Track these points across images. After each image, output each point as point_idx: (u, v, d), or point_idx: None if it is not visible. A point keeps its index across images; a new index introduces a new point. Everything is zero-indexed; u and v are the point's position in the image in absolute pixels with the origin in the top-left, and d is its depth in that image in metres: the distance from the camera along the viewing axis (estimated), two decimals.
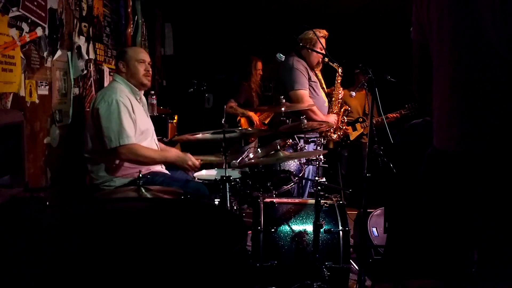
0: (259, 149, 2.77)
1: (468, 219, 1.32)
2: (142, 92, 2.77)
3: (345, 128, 3.50)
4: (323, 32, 3.24)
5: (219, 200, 2.35)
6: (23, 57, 2.02)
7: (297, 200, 2.51)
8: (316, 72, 3.35)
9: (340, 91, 3.36)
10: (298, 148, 2.78)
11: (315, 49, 3.18)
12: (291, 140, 2.76)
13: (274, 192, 2.61)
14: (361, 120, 4.27)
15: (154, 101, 3.79)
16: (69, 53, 2.62)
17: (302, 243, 2.27)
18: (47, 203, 2.00)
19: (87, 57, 2.88)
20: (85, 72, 2.86)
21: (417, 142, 2.26)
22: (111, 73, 3.31)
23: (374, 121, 3.73)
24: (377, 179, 2.36)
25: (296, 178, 2.71)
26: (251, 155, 2.73)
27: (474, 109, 1.26)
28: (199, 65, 6.15)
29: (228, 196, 2.25)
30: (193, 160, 2.61)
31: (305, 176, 3.00)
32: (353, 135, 4.25)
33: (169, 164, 2.80)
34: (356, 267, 2.54)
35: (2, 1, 1.82)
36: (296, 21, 3.47)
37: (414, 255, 2.17)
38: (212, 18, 6.01)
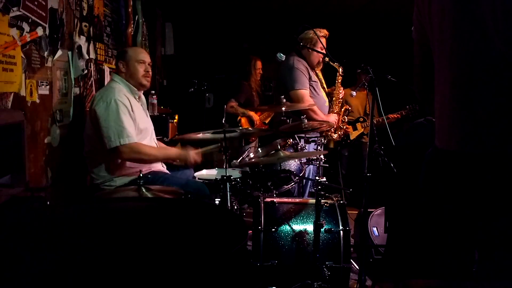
0: (259, 149, 2.78)
1: (469, 219, 1.32)
2: (141, 91, 2.77)
3: (345, 127, 3.50)
4: (323, 32, 3.24)
5: (219, 199, 2.35)
6: (23, 56, 2.02)
7: (297, 200, 2.51)
8: (317, 71, 3.35)
9: (340, 91, 3.36)
10: (299, 147, 2.78)
11: (316, 48, 3.18)
12: (291, 140, 2.76)
13: (274, 191, 2.61)
14: (362, 120, 4.27)
15: (155, 101, 3.79)
16: (69, 52, 2.62)
17: (303, 243, 2.27)
18: (48, 202, 2.00)
19: (87, 57, 2.88)
20: (85, 71, 2.86)
21: (418, 142, 2.26)
22: (111, 73, 3.31)
23: (375, 121, 3.74)
24: (377, 179, 2.36)
25: (297, 177, 2.71)
26: (251, 155, 2.74)
27: (475, 108, 1.26)
28: (199, 65, 6.15)
29: (228, 195, 2.25)
30: (194, 155, 2.61)
31: (306, 175, 3.00)
32: (353, 135, 4.25)
33: (171, 162, 2.80)
34: (357, 267, 2.54)
35: (2, 1, 1.82)
36: (297, 21, 3.47)
37: (414, 255, 2.16)
38: (212, 18, 6.01)
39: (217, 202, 2.40)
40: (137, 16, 4.18)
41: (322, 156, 2.71)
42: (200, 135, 2.47)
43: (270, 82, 6.03)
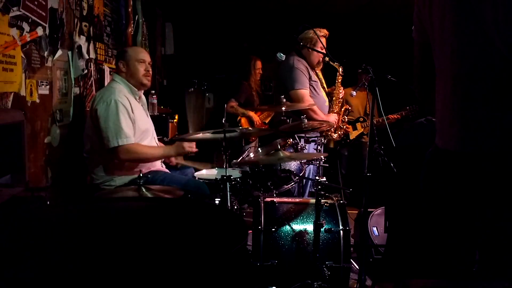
0: (259, 149, 2.77)
1: (470, 218, 1.32)
2: (142, 91, 2.77)
3: (345, 127, 3.50)
4: (323, 31, 3.24)
5: (219, 199, 2.35)
6: (23, 56, 2.02)
7: (297, 200, 2.51)
8: (317, 71, 3.35)
9: (340, 91, 3.35)
10: (299, 147, 2.78)
11: (316, 48, 3.18)
12: (291, 140, 2.76)
13: (274, 191, 2.61)
14: (362, 120, 4.27)
15: (155, 101, 3.79)
16: (69, 52, 2.62)
17: (303, 243, 2.26)
18: (48, 202, 2.00)
19: (87, 57, 2.88)
20: (85, 71, 2.86)
21: (418, 142, 2.26)
22: (111, 73, 3.31)
23: (375, 122, 3.74)
24: (377, 179, 2.36)
25: (297, 177, 2.71)
26: (251, 155, 2.73)
27: (475, 108, 1.26)
28: (199, 65, 6.15)
29: (228, 195, 2.25)
30: (186, 144, 2.63)
31: (306, 175, 3.00)
32: (353, 135, 4.25)
33: (169, 160, 2.81)
34: (357, 267, 2.54)
35: (2, 1, 1.82)
36: (297, 21, 3.47)
37: (414, 255, 2.16)
38: (212, 18, 6.01)
39: (217, 202, 2.40)
40: (137, 16, 4.18)
41: (322, 156, 2.71)
42: (200, 135, 2.47)
43: (270, 82, 6.03)
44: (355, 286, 2.43)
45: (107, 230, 1.20)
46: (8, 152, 1.81)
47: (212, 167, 2.98)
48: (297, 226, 2.30)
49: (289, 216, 2.33)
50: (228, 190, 2.25)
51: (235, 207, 2.47)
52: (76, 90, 2.75)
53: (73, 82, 2.67)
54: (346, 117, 3.50)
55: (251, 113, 4.39)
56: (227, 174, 2.28)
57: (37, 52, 2.18)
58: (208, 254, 1.03)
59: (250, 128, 4.07)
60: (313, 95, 3.22)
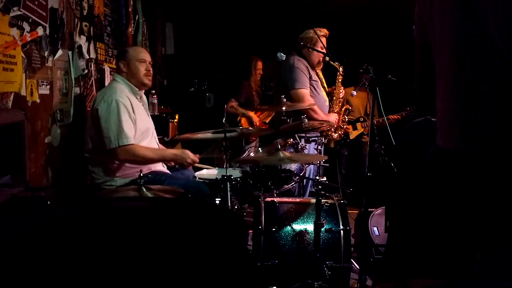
0: (260, 149, 2.78)
1: (470, 218, 1.32)
2: (143, 91, 2.77)
3: (345, 127, 3.50)
4: (323, 31, 3.24)
5: (220, 199, 2.35)
6: (24, 56, 2.02)
7: (298, 200, 2.51)
8: (317, 71, 3.35)
9: (341, 90, 3.35)
10: (299, 147, 2.78)
11: (316, 48, 3.18)
12: (292, 140, 2.76)
13: (275, 191, 2.61)
14: (362, 120, 4.27)
15: (155, 101, 3.79)
16: (70, 52, 2.62)
17: (303, 243, 2.27)
18: (48, 202, 2.00)
19: (88, 57, 2.88)
20: (86, 71, 2.86)
21: (418, 141, 2.26)
22: (112, 73, 3.31)
23: (375, 122, 3.74)
24: (378, 179, 2.36)
25: (297, 177, 2.71)
26: (252, 155, 2.73)
27: (476, 108, 1.26)
28: (200, 65, 6.15)
29: (229, 195, 2.25)
30: (191, 156, 2.61)
31: (306, 175, 3.00)
32: (353, 134, 4.25)
33: (167, 163, 2.80)
34: (357, 267, 2.54)
35: (3, 1, 1.82)
36: (297, 20, 3.47)
37: (415, 255, 2.16)
38: (212, 18, 6.01)
39: (217, 202, 2.40)
40: (137, 16, 4.18)
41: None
42: (200, 135, 2.47)
43: (271, 82, 6.03)
44: (355, 286, 2.43)
45: (108, 230, 1.20)
46: (9, 152, 1.82)
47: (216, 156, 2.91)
48: (298, 226, 2.31)
49: (290, 216, 2.33)
50: (228, 190, 2.25)
51: (236, 207, 2.47)
52: (77, 90, 2.75)
53: (73, 82, 2.67)
54: (346, 117, 3.50)
55: (251, 114, 4.39)
56: (228, 174, 2.28)
57: (38, 52, 2.18)
58: (209, 254, 1.03)
59: (250, 128, 4.07)
60: (313, 94, 3.22)
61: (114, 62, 3.43)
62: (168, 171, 2.77)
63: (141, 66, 2.65)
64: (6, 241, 1.09)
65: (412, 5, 1.48)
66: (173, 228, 1.24)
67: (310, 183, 3.19)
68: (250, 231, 2.37)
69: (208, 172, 2.99)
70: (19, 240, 1.11)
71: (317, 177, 2.42)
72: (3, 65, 1.84)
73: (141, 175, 2.08)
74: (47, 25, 2.26)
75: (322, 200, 2.20)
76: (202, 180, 2.72)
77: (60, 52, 2.44)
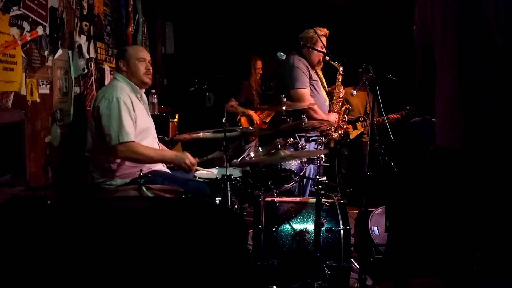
0: (259, 148, 2.77)
1: (471, 218, 1.32)
2: (143, 90, 2.77)
3: (345, 127, 3.50)
4: (323, 31, 3.24)
5: (220, 199, 2.35)
6: (24, 56, 2.02)
7: (298, 199, 2.51)
8: (317, 70, 3.35)
9: (341, 90, 3.35)
10: (299, 147, 2.78)
11: (316, 47, 3.18)
12: (292, 139, 2.76)
13: (275, 191, 2.61)
14: (362, 119, 4.27)
15: (155, 100, 3.79)
16: (70, 52, 2.62)
17: (303, 242, 2.27)
18: (48, 202, 2.00)
19: (88, 56, 2.88)
20: (86, 71, 2.86)
21: (417, 141, 2.26)
22: (112, 72, 3.31)
23: (375, 121, 3.74)
24: (378, 178, 2.36)
25: (297, 177, 2.71)
26: (252, 154, 2.73)
27: (479, 108, 1.26)
28: (200, 64, 6.15)
29: (229, 195, 2.25)
30: (190, 158, 2.60)
31: (306, 175, 3.00)
32: (353, 134, 4.25)
33: (167, 163, 2.80)
34: (357, 266, 2.54)
35: (3, 0, 1.82)
36: (297, 20, 3.46)
37: (415, 254, 2.16)
38: (213, 17, 6.01)
39: (217, 202, 2.39)
40: (137, 15, 4.18)
41: (322, 156, 2.71)
42: (201, 134, 2.47)
43: (271, 81, 6.03)
44: (355, 285, 2.43)
45: (108, 230, 1.20)
46: (9, 151, 1.81)
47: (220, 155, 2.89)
48: (298, 226, 2.31)
49: (290, 216, 2.33)
50: (228, 189, 2.25)
51: (236, 207, 2.47)
52: (77, 89, 2.75)
53: (73, 81, 2.67)
54: (346, 117, 3.50)
55: (251, 112, 4.39)
56: (228, 174, 2.28)
57: (38, 52, 2.18)
58: (209, 254, 1.03)
59: (250, 127, 4.07)
60: (313, 94, 3.22)
61: (114, 62, 3.43)
62: (168, 171, 2.77)
63: (140, 65, 2.65)
64: (6, 241, 1.09)
65: (412, 4, 1.48)
66: (173, 227, 1.24)
67: (310, 182, 3.19)
68: (250, 231, 2.37)
69: (208, 172, 2.99)
70: (19, 240, 1.11)
71: (317, 177, 2.42)
72: (3, 64, 1.84)
73: (141, 174, 2.08)
74: (47, 25, 2.26)
75: (322, 200, 2.20)
76: (202, 180, 2.72)
77: (60, 52, 2.44)
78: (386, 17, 5.51)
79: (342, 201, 2.40)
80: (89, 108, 2.82)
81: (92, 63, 3.01)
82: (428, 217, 1.49)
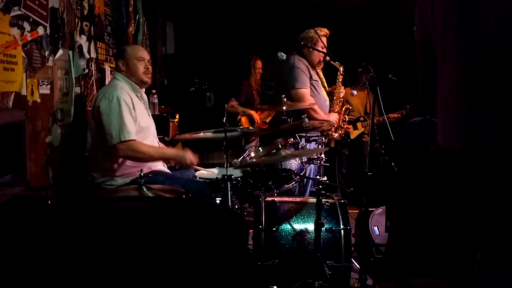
0: (260, 148, 2.77)
1: (472, 218, 1.32)
2: (143, 89, 2.77)
3: (346, 127, 3.50)
4: (324, 31, 3.24)
5: (220, 199, 2.35)
6: (24, 56, 2.02)
7: (298, 199, 2.51)
8: (318, 70, 3.35)
9: (341, 90, 3.35)
10: (300, 147, 2.78)
11: (316, 47, 3.18)
12: (292, 139, 2.76)
13: (275, 191, 2.61)
14: (362, 119, 4.27)
15: (156, 100, 3.79)
16: (70, 52, 2.62)
17: (304, 242, 2.26)
18: (49, 202, 2.00)
19: (88, 56, 2.88)
20: (86, 71, 2.86)
21: (417, 141, 2.26)
22: (112, 72, 3.31)
23: (376, 121, 3.74)
24: (378, 178, 2.35)
25: (298, 177, 2.71)
26: (252, 154, 2.73)
27: (480, 108, 1.26)
28: (200, 64, 6.15)
29: (229, 195, 2.25)
30: (191, 156, 2.61)
31: (307, 175, 3.00)
32: (353, 134, 4.25)
33: (167, 162, 2.80)
34: (358, 266, 2.54)
35: (3, 0, 1.82)
36: (297, 20, 3.47)
37: (416, 254, 2.16)
38: (213, 17, 6.01)
39: (218, 202, 2.40)
40: (138, 15, 4.18)
41: (323, 156, 2.71)
42: (201, 134, 2.47)
43: (271, 81, 6.03)
44: (356, 285, 2.43)
45: (108, 230, 1.20)
46: (9, 151, 1.82)
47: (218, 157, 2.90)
48: (298, 226, 2.31)
49: (290, 216, 2.34)
50: (229, 189, 2.25)
51: (236, 207, 2.47)
52: (77, 89, 2.75)
53: (74, 81, 2.68)
54: (346, 117, 3.50)
55: (252, 112, 4.39)
56: (228, 174, 2.28)
57: (38, 52, 2.18)
58: (209, 254, 1.03)
59: (250, 127, 4.07)
60: (313, 94, 3.22)
61: (114, 62, 3.43)
62: (168, 171, 2.77)
63: (139, 64, 2.65)
64: (7, 241, 1.09)
65: (412, 4, 1.48)
66: (173, 227, 1.25)
67: (310, 182, 3.19)
68: (250, 231, 2.37)
69: (209, 172, 2.99)
70: (19, 240, 1.11)
71: (318, 177, 2.42)
72: (4, 64, 1.84)
73: (142, 174, 2.08)
74: (47, 25, 2.26)
75: (323, 200, 2.20)
76: (202, 180, 2.72)
77: (60, 52, 2.44)
78: (386, 17, 5.51)
79: (342, 201, 2.40)
80: (89, 108, 2.82)
81: (92, 63, 3.01)
82: (428, 217, 1.49)
